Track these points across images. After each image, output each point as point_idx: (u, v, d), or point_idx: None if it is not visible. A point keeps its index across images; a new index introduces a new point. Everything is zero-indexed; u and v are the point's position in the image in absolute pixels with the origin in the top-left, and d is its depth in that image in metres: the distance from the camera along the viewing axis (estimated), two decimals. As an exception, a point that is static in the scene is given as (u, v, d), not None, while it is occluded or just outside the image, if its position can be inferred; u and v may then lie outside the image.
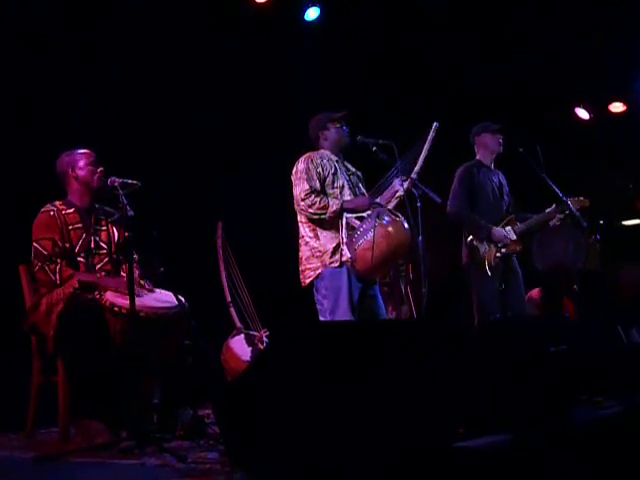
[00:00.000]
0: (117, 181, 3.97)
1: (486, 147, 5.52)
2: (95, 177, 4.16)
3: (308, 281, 4.53)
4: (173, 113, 5.83)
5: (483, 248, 5.32)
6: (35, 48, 5.24)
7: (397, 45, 6.85)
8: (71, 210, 4.17)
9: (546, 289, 6.31)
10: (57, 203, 4.18)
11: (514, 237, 5.32)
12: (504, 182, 5.56)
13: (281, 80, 6.38)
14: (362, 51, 6.76)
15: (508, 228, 5.35)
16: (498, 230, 5.33)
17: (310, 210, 4.47)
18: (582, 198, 5.33)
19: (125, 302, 3.72)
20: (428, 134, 4.61)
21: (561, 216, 5.30)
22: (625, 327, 4.45)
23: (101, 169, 4.15)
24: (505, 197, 5.52)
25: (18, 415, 4.23)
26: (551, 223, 5.35)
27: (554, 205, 5.32)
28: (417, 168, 4.57)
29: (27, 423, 4.15)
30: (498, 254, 5.29)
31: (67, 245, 4.10)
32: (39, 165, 4.95)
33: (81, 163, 4.20)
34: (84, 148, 4.27)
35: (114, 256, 4.20)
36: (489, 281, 5.28)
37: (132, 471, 3.28)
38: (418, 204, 4.41)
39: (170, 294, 3.96)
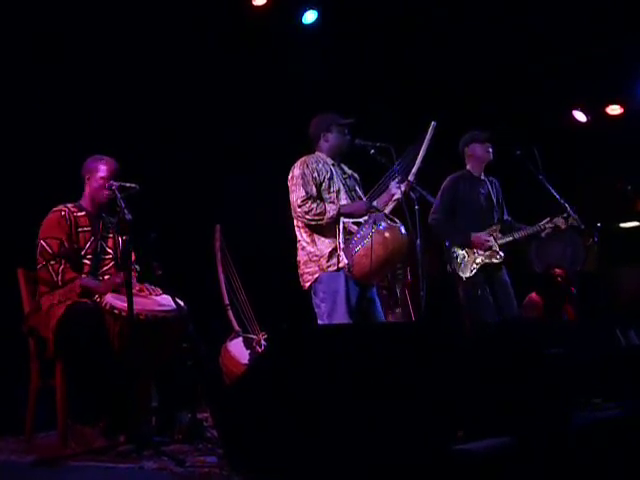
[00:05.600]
0: (115, 185, 3.99)
1: (476, 157, 5.52)
2: (104, 193, 4.18)
3: (307, 285, 4.53)
4: (171, 116, 5.83)
5: (461, 255, 5.33)
6: (39, 49, 5.24)
7: (395, 46, 6.85)
8: (82, 213, 4.22)
9: (544, 292, 6.32)
10: (69, 205, 4.23)
11: (496, 247, 5.34)
12: (494, 192, 5.56)
13: (280, 82, 6.38)
14: (360, 52, 6.76)
15: (491, 238, 5.36)
16: (478, 235, 5.34)
17: (307, 216, 4.46)
18: (573, 216, 5.31)
19: (125, 305, 3.73)
20: (426, 134, 4.60)
21: (551, 226, 5.28)
22: (623, 329, 4.47)
23: (110, 185, 4.08)
24: (495, 208, 5.53)
25: (16, 419, 4.24)
26: (543, 234, 5.34)
27: (547, 219, 5.31)
28: (415, 169, 4.55)
29: (25, 427, 4.14)
30: (478, 260, 5.31)
31: (75, 246, 4.14)
32: (39, 169, 4.97)
33: (97, 175, 4.22)
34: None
35: (119, 262, 4.20)
36: (470, 287, 5.29)
37: (130, 474, 3.28)
38: (416, 207, 4.40)
39: (168, 297, 3.97)
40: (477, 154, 5.50)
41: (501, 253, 5.33)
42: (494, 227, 5.41)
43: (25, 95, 5.16)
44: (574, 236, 5.83)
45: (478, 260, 5.30)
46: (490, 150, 5.47)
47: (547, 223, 5.30)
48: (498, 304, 5.28)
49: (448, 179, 5.50)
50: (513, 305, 5.38)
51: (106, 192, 4.16)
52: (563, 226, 5.25)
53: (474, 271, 5.29)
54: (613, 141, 7.21)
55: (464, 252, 5.34)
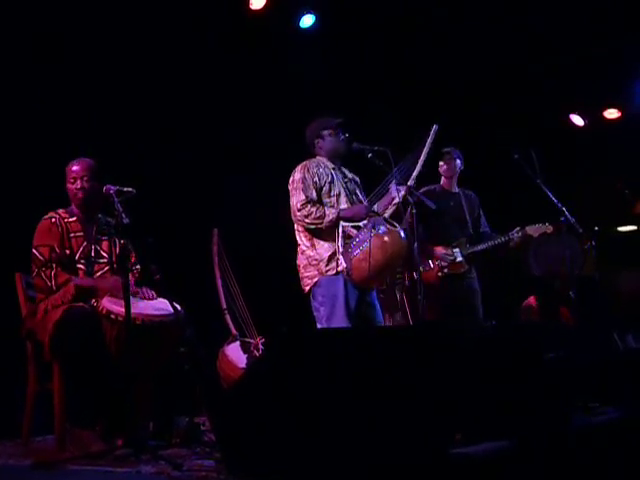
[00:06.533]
0: (112, 189, 3.96)
1: (443, 174, 5.63)
2: (77, 194, 4.17)
3: (307, 289, 4.55)
4: (168, 120, 5.82)
5: (424, 266, 5.38)
6: (36, 54, 5.24)
7: (395, 46, 6.84)
8: (73, 219, 4.20)
9: (542, 296, 6.32)
10: (60, 211, 4.21)
11: (459, 258, 5.43)
12: (466, 206, 5.63)
13: (279, 83, 6.37)
14: (360, 52, 6.75)
15: (456, 250, 5.45)
16: (438, 249, 5.43)
17: (307, 220, 4.47)
18: (545, 224, 5.39)
19: (122, 309, 3.72)
20: (427, 137, 4.60)
21: (519, 236, 5.39)
22: (621, 333, 4.47)
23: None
24: (465, 221, 5.59)
25: (13, 422, 4.24)
26: (512, 244, 5.45)
27: (516, 229, 5.42)
28: (415, 173, 4.57)
29: (23, 430, 4.13)
30: (440, 273, 5.42)
31: (67, 252, 4.12)
32: (38, 171, 4.97)
33: (69, 176, 4.22)
34: (79, 156, 4.27)
35: (115, 265, 4.19)
36: (435, 295, 5.33)
37: (128, 479, 3.28)
38: (414, 211, 4.41)
39: (166, 301, 3.96)
40: (441, 172, 5.64)
41: (465, 265, 5.43)
42: (460, 240, 5.51)
43: (24, 96, 5.15)
44: (572, 240, 5.83)
45: (440, 274, 5.42)
46: (450, 164, 5.56)
47: (516, 232, 5.41)
48: (463, 312, 5.38)
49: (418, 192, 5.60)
50: (477, 313, 5.47)
51: (80, 194, 4.15)
52: (535, 234, 5.34)
53: (434, 282, 5.39)
54: (611, 144, 7.21)
55: (428, 264, 5.44)
